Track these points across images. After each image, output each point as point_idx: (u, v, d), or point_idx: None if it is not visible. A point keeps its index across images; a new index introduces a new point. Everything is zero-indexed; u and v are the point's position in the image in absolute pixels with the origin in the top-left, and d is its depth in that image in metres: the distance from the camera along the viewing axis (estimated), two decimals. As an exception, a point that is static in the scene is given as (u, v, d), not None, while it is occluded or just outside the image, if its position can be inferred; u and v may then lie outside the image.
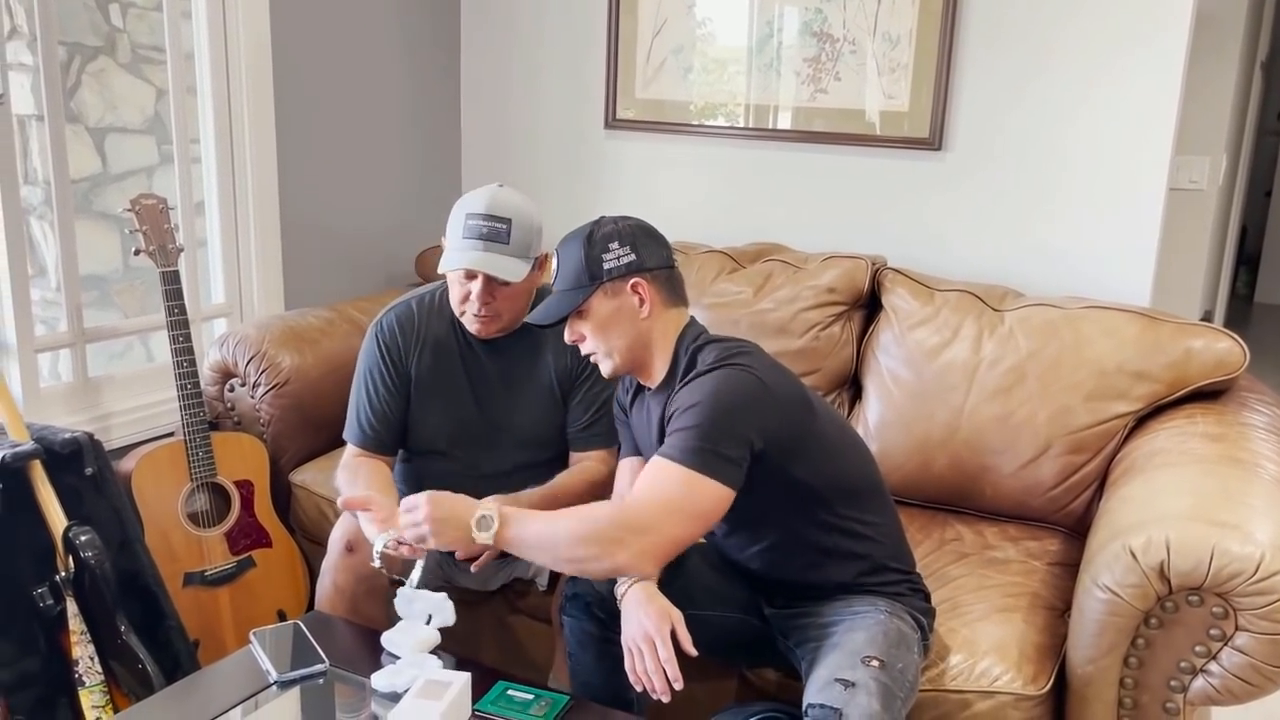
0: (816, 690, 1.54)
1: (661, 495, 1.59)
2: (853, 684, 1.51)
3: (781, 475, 1.66)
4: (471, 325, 1.99)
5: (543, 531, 1.61)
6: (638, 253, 1.70)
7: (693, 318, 1.79)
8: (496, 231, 1.89)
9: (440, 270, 1.94)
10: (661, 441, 1.70)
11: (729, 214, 2.95)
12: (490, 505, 1.62)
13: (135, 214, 2.30)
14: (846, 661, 1.56)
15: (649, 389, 1.80)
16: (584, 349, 1.76)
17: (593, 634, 1.81)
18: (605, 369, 1.76)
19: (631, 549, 1.57)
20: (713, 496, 1.58)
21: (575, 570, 1.69)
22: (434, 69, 3.25)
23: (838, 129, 2.80)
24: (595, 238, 1.70)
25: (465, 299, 1.96)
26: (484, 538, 1.60)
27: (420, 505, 1.62)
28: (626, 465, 1.90)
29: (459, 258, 1.90)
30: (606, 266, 1.69)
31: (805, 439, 1.69)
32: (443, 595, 1.72)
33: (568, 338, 1.77)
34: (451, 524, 1.61)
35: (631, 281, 1.70)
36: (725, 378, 1.62)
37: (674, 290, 1.76)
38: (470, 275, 1.92)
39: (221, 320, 2.81)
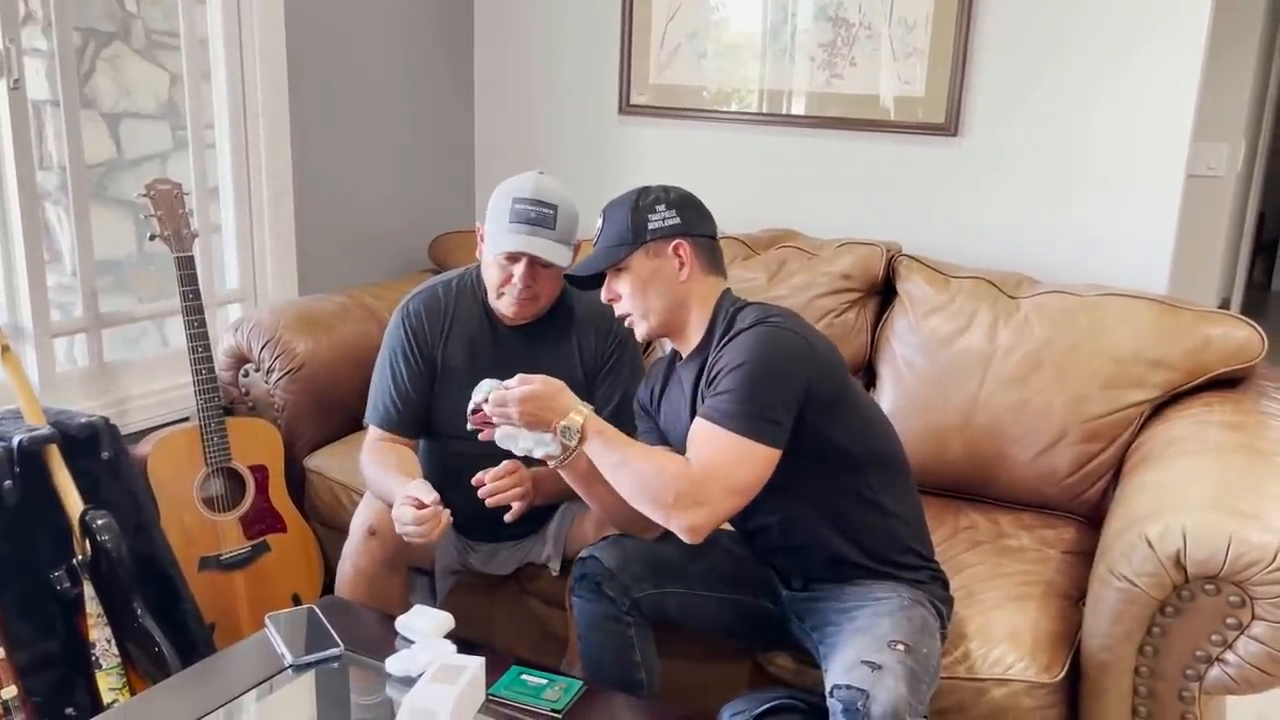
0: (842, 671, 1.53)
1: (717, 463, 1.61)
2: (879, 666, 1.51)
3: (819, 437, 1.67)
4: (509, 308, 2.00)
5: (616, 465, 1.65)
6: (683, 217, 1.75)
7: (729, 288, 1.80)
8: (544, 216, 1.92)
9: (490, 253, 1.95)
10: (694, 407, 1.71)
11: (743, 200, 2.94)
12: (576, 416, 1.66)
13: (150, 199, 2.30)
14: (873, 645, 1.56)
15: (680, 361, 1.81)
16: (619, 309, 1.78)
17: (602, 614, 1.81)
18: (640, 331, 1.78)
19: (685, 517, 1.60)
20: (760, 461, 1.61)
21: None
22: (448, 54, 3.24)
23: (853, 115, 2.78)
24: (643, 201, 1.75)
25: (505, 282, 1.96)
26: (560, 441, 1.66)
27: (511, 406, 1.66)
28: None
29: (509, 240, 1.92)
30: (651, 227, 1.73)
31: (843, 401, 1.71)
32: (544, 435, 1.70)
33: (604, 296, 1.79)
34: (541, 424, 1.67)
35: (674, 244, 1.73)
36: (768, 336, 1.64)
37: (714, 259, 1.79)
38: (513, 258, 1.93)
39: (236, 305, 2.82)
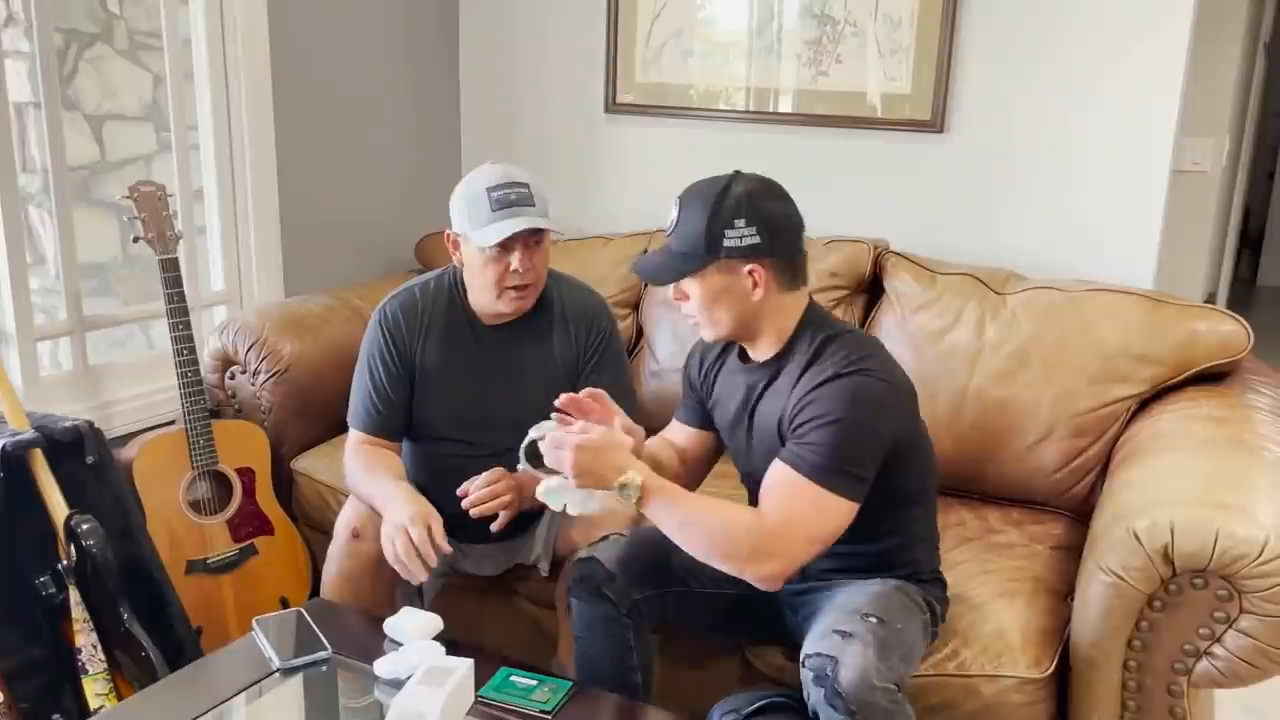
0: (814, 641, 1.55)
1: (797, 517, 1.57)
2: (850, 634, 1.53)
3: (883, 479, 1.63)
4: (510, 303, 1.98)
5: (681, 525, 1.60)
6: (763, 236, 1.60)
7: (812, 299, 1.74)
8: (523, 196, 1.91)
9: (487, 243, 1.90)
10: (745, 413, 1.71)
11: (730, 198, 2.93)
12: (635, 475, 1.58)
13: (134, 201, 2.29)
14: (845, 616, 1.58)
15: (745, 361, 1.76)
16: (685, 309, 1.71)
17: (601, 615, 1.80)
18: (705, 335, 1.73)
19: (761, 568, 1.57)
20: (843, 514, 1.58)
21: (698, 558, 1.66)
22: (433, 53, 3.23)
23: (839, 112, 2.78)
24: (723, 207, 1.60)
25: (503, 275, 1.94)
26: (622, 502, 1.61)
27: (567, 450, 1.60)
28: (677, 427, 1.92)
29: (502, 228, 1.89)
30: (727, 244, 1.60)
31: (914, 442, 1.70)
32: (595, 494, 1.64)
33: (673, 296, 1.72)
34: (593, 478, 1.60)
35: (749, 265, 1.62)
36: (862, 389, 1.59)
37: (794, 275, 1.67)
38: (507, 248, 1.91)
39: (221, 308, 2.80)
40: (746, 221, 1.60)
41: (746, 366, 1.76)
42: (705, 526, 1.59)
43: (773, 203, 1.64)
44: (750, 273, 1.62)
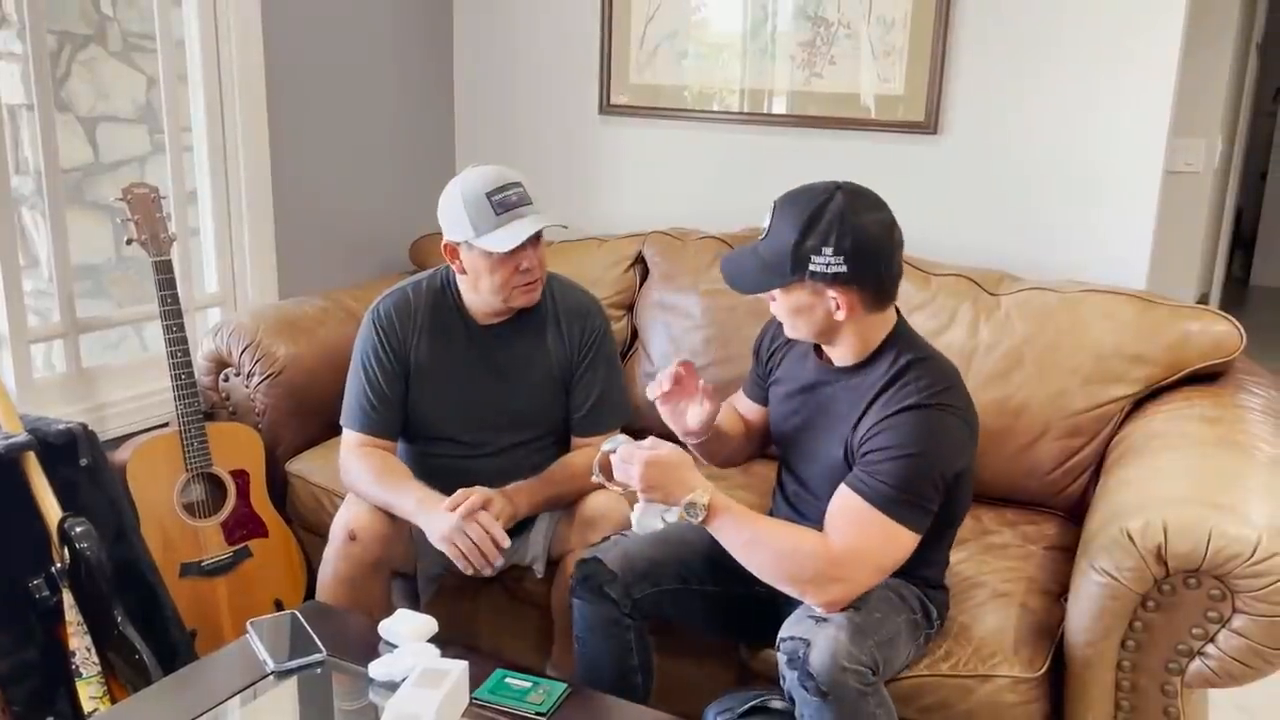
0: (789, 625, 1.59)
1: (864, 546, 1.59)
2: (825, 620, 1.56)
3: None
4: (523, 297, 2.00)
5: (746, 544, 1.62)
6: (849, 266, 1.58)
7: (900, 315, 1.74)
8: (522, 195, 1.93)
9: (502, 249, 1.90)
10: (808, 397, 1.74)
11: (724, 199, 2.94)
12: (702, 495, 1.61)
13: (127, 203, 2.28)
14: None
15: (819, 356, 1.77)
16: (772, 308, 1.72)
17: (604, 617, 1.81)
18: (787, 334, 1.75)
19: (826, 593, 1.58)
20: (907, 544, 1.60)
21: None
22: (427, 55, 3.23)
23: (833, 113, 2.79)
24: (813, 230, 1.58)
25: (512, 275, 1.96)
26: (688, 520, 1.63)
27: (636, 465, 1.62)
28: (744, 400, 1.98)
29: (514, 231, 1.90)
30: (811, 269, 1.59)
31: (971, 470, 1.72)
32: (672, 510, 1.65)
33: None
34: (661, 493, 1.62)
35: (834, 290, 1.61)
36: (938, 424, 1.61)
37: (881, 297, 1.66)
38: (519, 249, 1.92)
39: (215, 310, 2.80)
40: (835, 250, 1.57)
41: (820, 363, 1.77)
42: (771, 549, 1.61)
43: (868, 226, 1.60)
44: (835, 297, 1.62)
